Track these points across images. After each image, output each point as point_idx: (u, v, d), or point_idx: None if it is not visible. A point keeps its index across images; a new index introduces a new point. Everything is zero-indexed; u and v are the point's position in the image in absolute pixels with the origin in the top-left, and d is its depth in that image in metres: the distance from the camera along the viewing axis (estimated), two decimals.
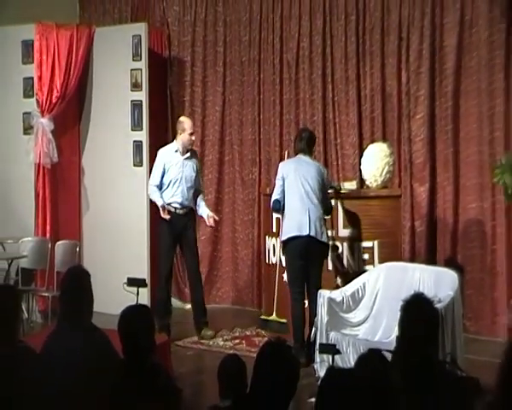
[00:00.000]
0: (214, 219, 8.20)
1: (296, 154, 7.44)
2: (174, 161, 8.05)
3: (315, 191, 7.17)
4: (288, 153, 8.41)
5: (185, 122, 8.20)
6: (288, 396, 3.24)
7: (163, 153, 8.17)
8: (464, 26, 8.32)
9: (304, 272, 7.16)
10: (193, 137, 8.18)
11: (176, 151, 8.10)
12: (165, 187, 8.02)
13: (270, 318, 8.15)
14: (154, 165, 8.14)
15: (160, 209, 7.93)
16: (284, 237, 7.24)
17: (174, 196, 8.00)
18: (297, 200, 7.15)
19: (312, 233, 7.07)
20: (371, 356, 3.38)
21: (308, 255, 7.13)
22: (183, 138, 8.09)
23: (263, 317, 8.36)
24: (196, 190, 8.19)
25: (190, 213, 8.14)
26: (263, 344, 3.49)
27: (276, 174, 7.50)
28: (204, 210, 8.20)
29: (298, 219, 7.10)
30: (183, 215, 8.03)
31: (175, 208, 8.00)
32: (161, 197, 7.96)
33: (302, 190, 7.15)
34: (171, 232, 8.00)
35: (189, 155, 8.11)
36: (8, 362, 3.82)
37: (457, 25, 8.34)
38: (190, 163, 8.13)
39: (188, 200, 8.06)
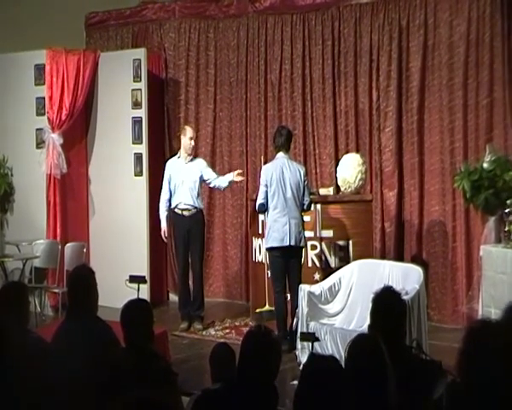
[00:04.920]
0: (239, 174, 8.08)
1: (276, 148, 7.34)
2: (177, 168, 8.02)
3: (295, 196, 7.13)
4: (264, 160, 8.36)
5: (187, 128, 8.21)
6: (271, 376, 3.19)
7: (169, 164, 8.16)
8: (427, 49, 8.35)
9: (285, 270, 7.16)
10: (192, 143, 8.07)
11: (179, 158, 8.08)
12: (172, 192, 7.97)
13: (264, 308, 7.78)
14: (164, 178, 8.09)
15: (162, 232, 8.02)
16: (268, 245, 7.20)
17: (178, 198, 7.93)
18: (279, 211, 7.11)
19: (292, 243, 7.07)
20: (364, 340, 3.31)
21: (288, 257, 7.13)
22: (183, 142, 8.05)
23: (257, 310, 7.84)
24: (211, 181, 8.06)
25: (197, 215, 7.99)
26: (246, 332, 3.43)
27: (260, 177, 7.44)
28: (226, 178, 8.07)
29: (280, 230, 7.06)
30: (188, 217, 7.93)
31: (181, 210, 7.93)
32: (166, 211, 7.98)
33: (283, 199, 7.10)
34: (180, 233, 7.97)
35: (190, 159, 8.05)
36: (21, 351, 3.78)
37: (421, 48, 8.36)
38: (192, 166, 8.03)
39: (191, 200, 7.90)
